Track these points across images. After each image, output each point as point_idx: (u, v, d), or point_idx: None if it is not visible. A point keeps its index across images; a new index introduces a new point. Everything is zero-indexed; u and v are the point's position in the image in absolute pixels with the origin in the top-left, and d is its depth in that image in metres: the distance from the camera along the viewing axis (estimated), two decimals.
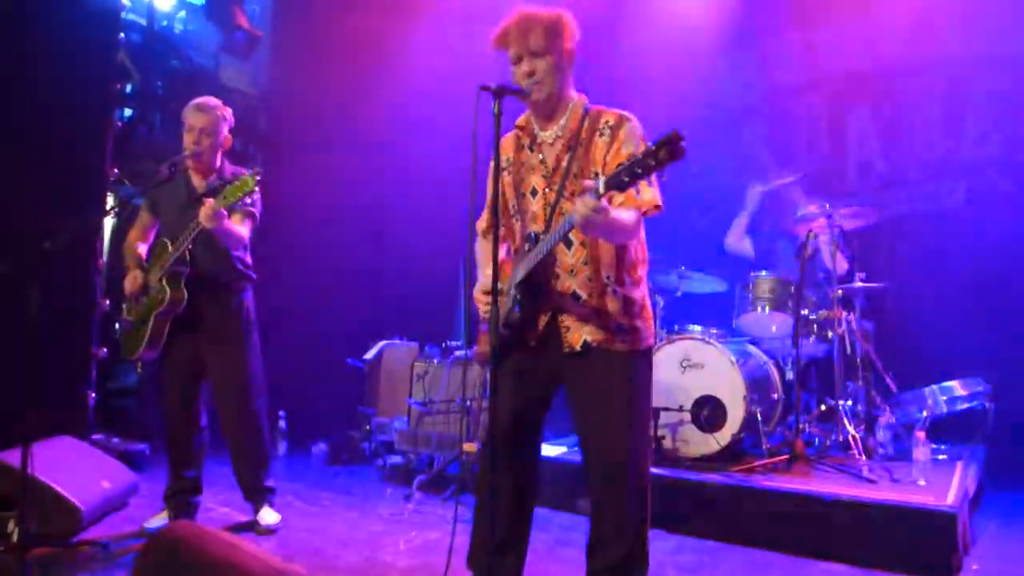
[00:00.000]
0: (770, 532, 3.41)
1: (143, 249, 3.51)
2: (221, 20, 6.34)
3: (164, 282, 3.28)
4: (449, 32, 6.02)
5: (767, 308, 4.46)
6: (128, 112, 6.01)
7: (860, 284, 4.55)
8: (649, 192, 2.17)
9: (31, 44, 4.11)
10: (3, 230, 3.72)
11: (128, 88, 5.84)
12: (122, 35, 4.76)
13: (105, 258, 4.49)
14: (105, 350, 4.46)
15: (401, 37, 6.28)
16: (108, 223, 4.88)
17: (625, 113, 2.29)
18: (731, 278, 4.83)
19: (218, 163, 3.51)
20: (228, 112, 3.49)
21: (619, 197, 2.06)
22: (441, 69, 5.90)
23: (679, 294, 4.76)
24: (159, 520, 3.41)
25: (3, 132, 3.96)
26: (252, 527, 3.50)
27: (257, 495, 3.58)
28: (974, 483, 3.84)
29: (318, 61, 6.51)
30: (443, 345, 5.22)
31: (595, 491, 2.29)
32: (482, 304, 2.40)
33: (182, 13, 6.83)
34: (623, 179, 1.83)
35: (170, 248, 3.30)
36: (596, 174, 1.92)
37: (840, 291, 4.37)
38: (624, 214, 2.10)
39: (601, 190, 1.88)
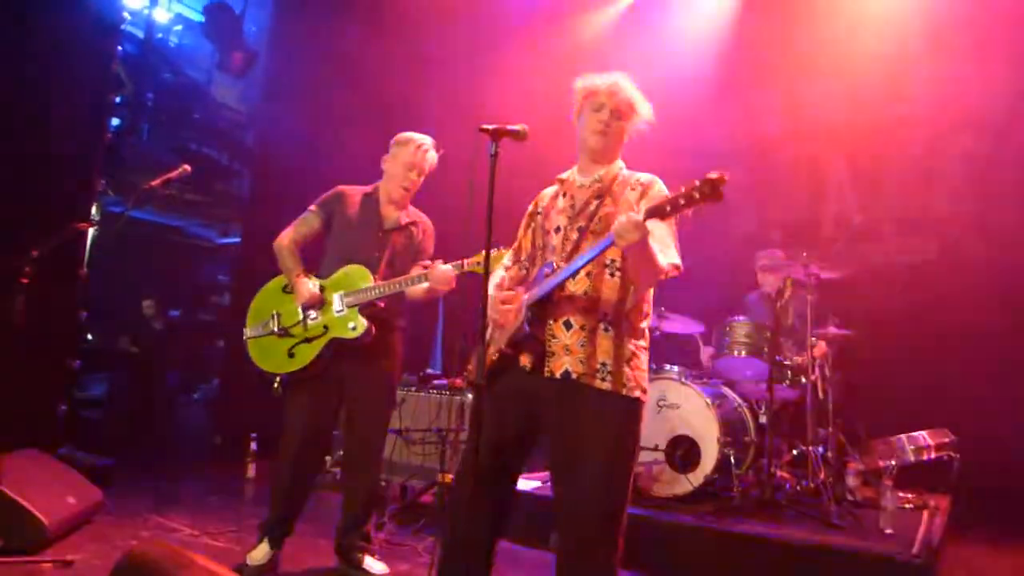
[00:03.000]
0: (739, 575, 3.43)
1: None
2: (218, 39, 6.39)
3: (356, 313, 3.12)
4: (442, 67, 6.13)
5: (743, 352, 4.53)
6: (117, 122, 6.02)
7: (834, 332, 4.65)
8: (674, 253, 2.29)
9: (29, 51, 4.12)
10: None
11: (119, 98, 5.85)
12: (120, 47, 4.77)
13: (86, 268, 4.44)
14: (79, 361, 4.40)
15: (397, 67, 6.36)
16: (91, 233, 4.84)
17: (655, 176, 2.43)
18: (709, 320, 4.91)
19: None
20: None
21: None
22: (431, 103, 5.99)
23: (657, 334, 4.82)
24: (259, 556, 3.18)
25: None
26: None
27: (359, 542, 3.31)
28: (939, 533, 3.90)
29: (310, 83, 6.57)
30: (421, 374, 5.21)
31: (562, 537, 2.28)
32: (494, 309, 2.40)
33: (179, 27, 6.90)
34: (665, 208, 1.98)
35: (373, 282, 3.14)
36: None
37: (814, 338, 4.45)
38: (658, 254, 2.19)
39: (641, 217, 2.01)
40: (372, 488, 3.37)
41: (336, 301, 3.16)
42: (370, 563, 3.30)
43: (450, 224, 3.12)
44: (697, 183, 1.91)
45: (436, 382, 4.94)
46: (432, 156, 3.37)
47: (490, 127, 2.23)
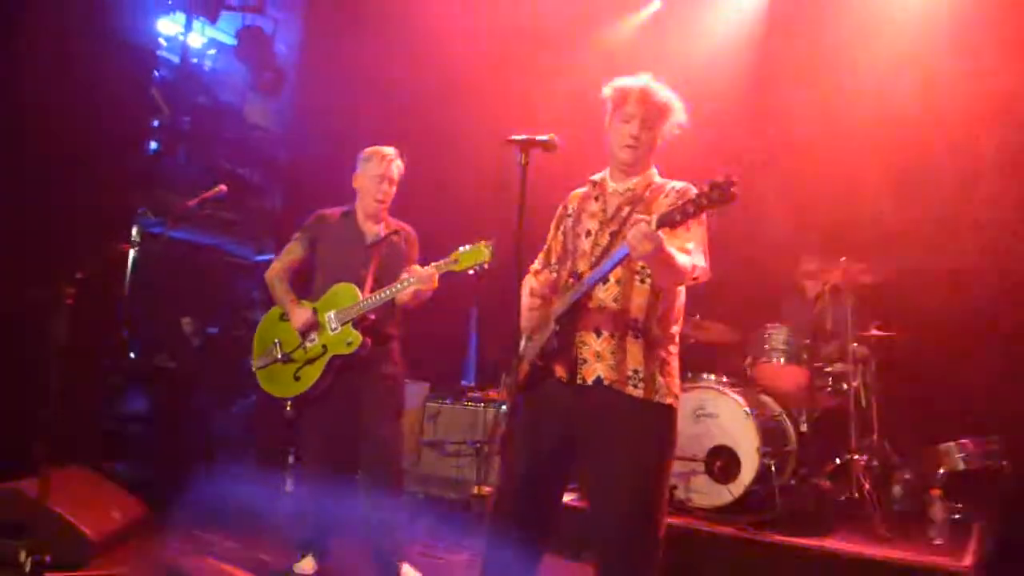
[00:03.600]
0: None
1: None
2: (250, 60, 6.51)
3: (352, 327, 3.25)
4: (473, 80, 6.16)
5: (782, 359, 4.46)
6: (155, 145, 6.16)
7: (876, 334, 4.55)
8: (701, 258, 2.25)
9: (69, 80, 4.24)
10: (33, 258, 3.79)
11: (156, 122, 5.99)
12: (156, 73, 4.89)
13: (127, 288, 4.53)
14: (121, 379, 4.48)
15: (425, 83, 6.41)
16: (131, 253, 4.96)
17: (690, 185, 2.38)
18: (745, 328, 4.83)
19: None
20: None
21: (674, 244, 2.13)
22: (463, 117, 6.02)
23: (693, 341, 4.77)
24: (308, 566, 3.34)
25: (37, 163, 4.06)
26: None
27: (395, 549, 3.40)
28: (991, 544, 3.78)
29: (341, 101, 6.65)
30: (455, 386, 5.21)
31: (599, 549, 2.27)
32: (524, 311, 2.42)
33: (212, 51, 7.05)
34: (675, 216, 1.95)
35: (361, 296, 3.26)
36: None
37: (855, 344, 4.36)
38: (681, 255, 2.15)
39: (654, 225, 1.98)
40: (395, 496, 3.44)
41: (330, 320, 3.29)
42: (407, 571, 3.35)
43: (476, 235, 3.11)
44: (706, 187, 1.90)
45: (470, 394, 4.93)
46: (398, 165, 3.49)
47: (519, 138, 2.23)
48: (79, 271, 2.84)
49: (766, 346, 4.54)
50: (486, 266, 3.03)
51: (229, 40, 7.04)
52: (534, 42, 6.21)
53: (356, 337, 3.23)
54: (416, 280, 3.16)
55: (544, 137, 2.30)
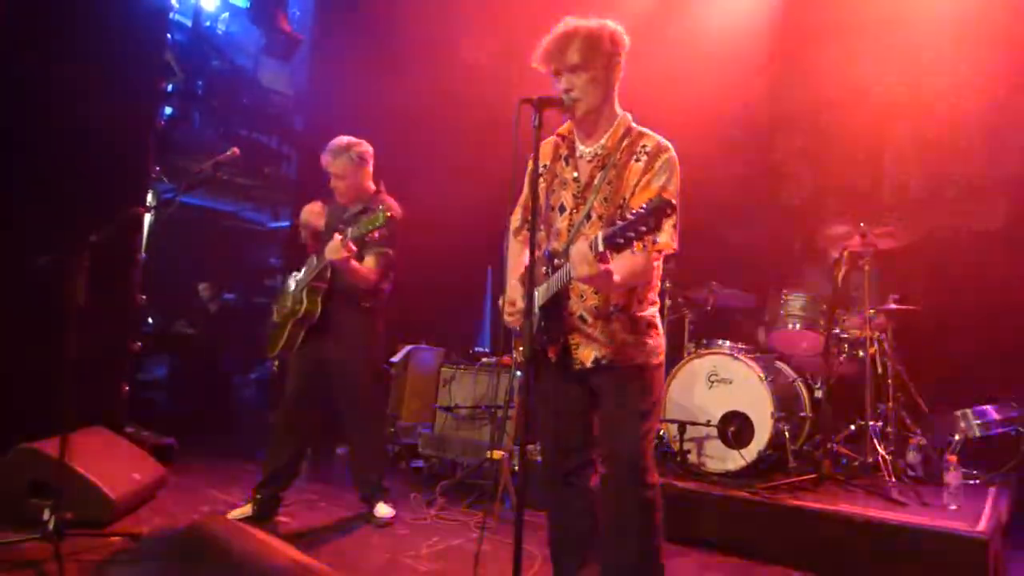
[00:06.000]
0: (796, 552, 3.37)
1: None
2: (264, 23, 6.45)
3: (304, 294, 3.55)
4: (491, 41, 6.06)
5: (798, 325, 4.42)
6: (169, 110, 6.15)
7: (893, 304, 4.48)
8: (666, 236, 2.16)
9: (80, 42, 4.22)
10: (48, 223, 3.81)
11: (170, 87, 5.97)
12: (169, 36, 4.85)
13: (143, 253, 4.56)
14: (140, 344, 4.53)
15: (440, 44, 6.32)
16: (147, 219, 4.97)
17: (665, 142, 2.29)
18: (762, 292, 4.79)
19: (365, 190, 3.72)
20: (363, 147, 3.69)
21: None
22: (480, 77, 5.94)
23: (709, 308, 4.74)
24: (241, 512, 3.57)
25: (51, 128, 4.06)
26: (368, 519, 3.73)
27: (373, 492, 3.77)
28: (1007, 511, 3.76)
29: (356, 65, 6.59)
30: (470, 351, 5.23)
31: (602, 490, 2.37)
32: (505, 315, 2.41)
33: (225, 15, 7.00)
34: (619, 241, 1.90)
35: (315, 263, 3.54)
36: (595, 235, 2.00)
37: (873, 310, 4.31)
38: (630, 266, 2.11)
39: (600, 247, 1.93)
40: (372, 445, 3.83)
41: (297, 290, 3.62)
42: (379, 507, 3.74)
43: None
44: (643, 212, 1.85)
45: (485, 359, 4.94)
46: (342, 160, 3.63)
47: (533, 98, 2.18)
48: (92, 234, 2.85)
49: (782, 312, 4.49)
50: (386, 233, 3.30)
51: (243, 3, 6.98)
52: (550, 8, 6.09)
53: (301, 301, 3.55)
54: (327, 255, 3.31)
55: (560, 96, 2.26)
